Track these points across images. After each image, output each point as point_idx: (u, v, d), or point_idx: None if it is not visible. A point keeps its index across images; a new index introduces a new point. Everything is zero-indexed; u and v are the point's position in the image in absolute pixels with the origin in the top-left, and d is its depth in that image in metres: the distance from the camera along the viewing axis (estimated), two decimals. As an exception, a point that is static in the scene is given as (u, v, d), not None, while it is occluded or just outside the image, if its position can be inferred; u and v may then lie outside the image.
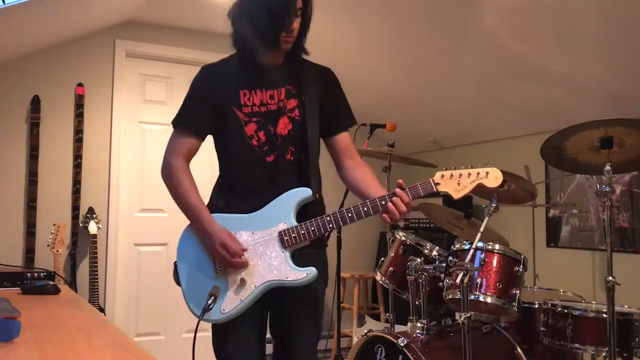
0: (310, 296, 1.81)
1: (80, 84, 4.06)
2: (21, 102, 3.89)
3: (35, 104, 3.89)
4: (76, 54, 4.07)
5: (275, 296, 1.74)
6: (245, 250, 1.70)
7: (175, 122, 1.84)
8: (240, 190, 1.79)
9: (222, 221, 1.74)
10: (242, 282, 1.69)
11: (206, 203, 1.82)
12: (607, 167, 2.20)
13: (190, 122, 1.82)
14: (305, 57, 1.87)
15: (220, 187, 1.86)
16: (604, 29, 2.83)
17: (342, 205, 3.20)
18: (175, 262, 1.79)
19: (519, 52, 3.23)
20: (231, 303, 1.69)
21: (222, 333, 1.78)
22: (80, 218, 3.98)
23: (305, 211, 1.75)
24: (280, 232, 1.71)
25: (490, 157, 3.66)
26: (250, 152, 1.77)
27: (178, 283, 1.78)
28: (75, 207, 3.99)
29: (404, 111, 4.47)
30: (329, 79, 1.90)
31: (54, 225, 3.58)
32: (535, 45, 3.15)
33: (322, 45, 4.00)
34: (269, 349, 1.84)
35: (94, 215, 3.94)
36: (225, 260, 1.69)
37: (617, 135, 2.24)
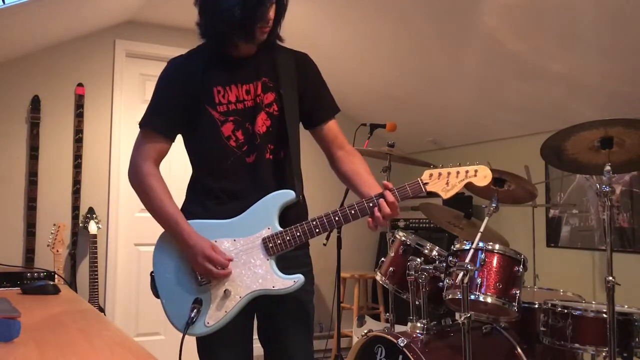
0: (298, 300, 1.71)
1: (80, 84, 4.06)
2: (21, 102, 3.90)
3: (35, 104, 3.89)
4: (76, 54, 4.07)
5: (262, 302, 1.64)
6: (230, 259, 1.59)
7: (143, 123, 1.69)
8: (218, 194, 1.67)
9: (201, 228, 1.62)
10: (227, 293, 1.60)
11: (179, 207, 1.71)
12: (607, 167, 2.20)
13: (159, 123, 1.68)
14: (279, 43, 1.73)
15: (195, 191, 1.73)
16: (604, 29, 2.83)
17: (342, 205, 3.20)
18: (152, 272, 1.65)
19: (519, 52, 3.23)
20: (215, 315, 1.60)
21: (208, 345, 1.69)
22: (80, 218, 3.98)
23: (287, 213, 1.65)
24: (264, 239, 1.61)
25: (490, 157, 3.66)
26: (228, 154, 1.65)
27: (157, 295, 1.64)
28: (75, 207, 3.99)
29: (404, 111, 4.47)
30: (306, 65, 1.76)
31: (54, 225, 3.58)
32: (535, 45, 3.15)
33: (322, 45, 4.00)
34: (257, 349, 1.80)
35: (94, 215, 3.94)
36: (211, 273, 1.57)
37: (617, 135, 2.24)
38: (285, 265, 1.62)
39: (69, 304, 1.93)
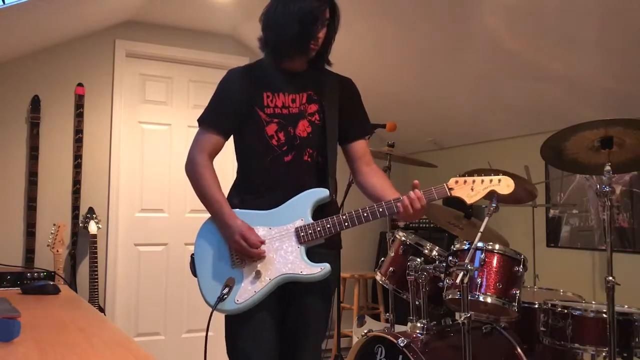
0: (322, 293, 1.85)
1: (80, 84, 4.06)
2: (21, 102, 3.89)
3: (35, 104, 3.89)
4: (76, 54, 4.07)
5: (288, 292, 1.79)
6: (263, 242, 1.76)
7: (201, 120, 1.90)
8: (257, 188, 1.86)
9: (241, 216, 1.80)
10: (258, 274, 1.74)
11: None
12: (607, 167, 2.20)
13: (215, 121, 1.89)
14: (327, 67, 1.95)
15: (237, 186, 1.93)
16: (604, 29, 2.83)
17: (342, 205, 3.20)
18: (192, 254, 1.84)
19: (519, 52, 3.23)
20: (245, 294, 1.74)
21: (236, 326, 1.81)
22: (80, 218, 3.98)
23: (320, 211, 1.82)
24: (297, 228, 1.77)
25: (490, 157, 3.67)
26: (269, 151, 1.84)
27: (194, 274, 1.82)
28: (75, 207, 3.99)
29: (404, 111, 4.47)
30: (349, 89, 1.99)
31: (54, 225, 3.58)
32: (535, 45, 3.15)
33: (322, 45, 4.00)
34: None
35: (94, 215, 3.94)
36: (244, 251, 1.74)
37: (617, 135, 2.23)
38: (315, 260, 1.76)
39: (69, 304, 1.94)
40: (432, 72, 3.88)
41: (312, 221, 1.78)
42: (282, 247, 1.77)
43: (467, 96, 3.92)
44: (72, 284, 3.86)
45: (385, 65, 4.04)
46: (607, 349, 2.19)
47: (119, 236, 4.17)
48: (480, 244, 2.36)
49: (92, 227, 3.88)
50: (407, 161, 3.45)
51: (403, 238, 2.68)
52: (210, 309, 1.73)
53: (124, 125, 4.23)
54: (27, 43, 3.78)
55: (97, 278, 3.71)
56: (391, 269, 2.66)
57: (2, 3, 2.81)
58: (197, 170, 1.85)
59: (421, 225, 4.41)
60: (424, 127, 4.60)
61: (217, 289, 1.74)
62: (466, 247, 2.41)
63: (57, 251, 3.49)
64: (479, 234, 2.31)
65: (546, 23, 2.95)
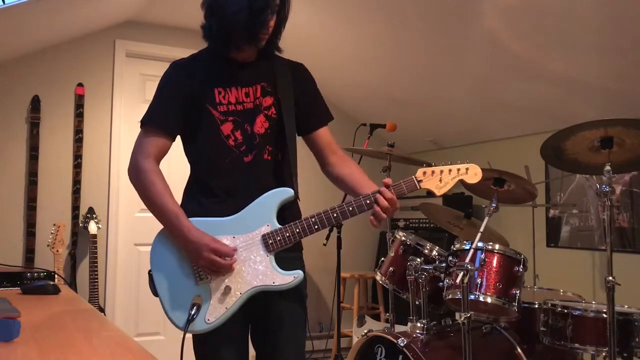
0: (297, 300, 1.74)
1: (80, 84, 4.06)
2: (21, 102, 3.90)
3: (35, 104, 3.89)
4: (76, 54, 4.07)
5: (258, 303, 1.67)
6: (235, 249, 1.62)
7: (145, 121, 1.71)
8: (215, 192, 1.70)
9: (200, 225, 1.63)
10: (227, 289, 1.61)
11: None
12: (607, 167, 2.20)
13: (161, 121, 1.70)
14: (277, 53, 1.80)
15: (192, 190, 1.76)
16: (604, 29, 2.83)
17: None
18: (150, 271, 1.66)
19: (519, 52, 3.23)
20: (216, 312, 1.61)
21: (205, 343, 1.69)
22: (80, 218, 3.98)
23: (282, 213, 1.68)
24: (264, 236, 1.64)
25: (490, 157, 3.67)
26: (227, 153, 1.69)
27: (155, 294, 1.65)
28: (75, 207, 3.99)
29: (403, 111, 4.47)
30: (303, 75, 1.84)
31: (54, 225, 3.59)
32: (535, 45, 3.15)
33: (322, 46, 4.01)
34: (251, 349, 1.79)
35: (94, 215, 3.94)
36: (217, 265, 1.58)
37: (617, 135, 2.23)
38: (280, 266, 1.65)
39: (69, 304, 1.93)
40: (432, 72, 3.88)
41: (279, 226, 1.64)
42: (250, 258, 1.63)
43: (467, 96, 3.92)
44: (72, 284, 3.86)
45: (385, 66, 4.04)
46: (607, 349, 2.19)
47: (118, 236, 4.17)
48: (480, 244, 2.36)
49: (92, 227, 3.88)
50: (407, 161, 3.45)
51: (403, 238, 2.68)
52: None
53: (124, 125, 4.23)
54: (27, 43, 3.79)
55: (97, 278, 3.71)
56: (391, 269, 2.66)
57: (2, 3, 2.81)
58: (144, 178, 1.65)
59: (421, 225, 4.41)
60: (424, 127, 4.60)
61: (183, 309, 1.60)
62: (466, 247, 2.41)
63: (57, 251, 3.49)
64: (479, 234, 2.31)
65: (546, 23, 2.95)
